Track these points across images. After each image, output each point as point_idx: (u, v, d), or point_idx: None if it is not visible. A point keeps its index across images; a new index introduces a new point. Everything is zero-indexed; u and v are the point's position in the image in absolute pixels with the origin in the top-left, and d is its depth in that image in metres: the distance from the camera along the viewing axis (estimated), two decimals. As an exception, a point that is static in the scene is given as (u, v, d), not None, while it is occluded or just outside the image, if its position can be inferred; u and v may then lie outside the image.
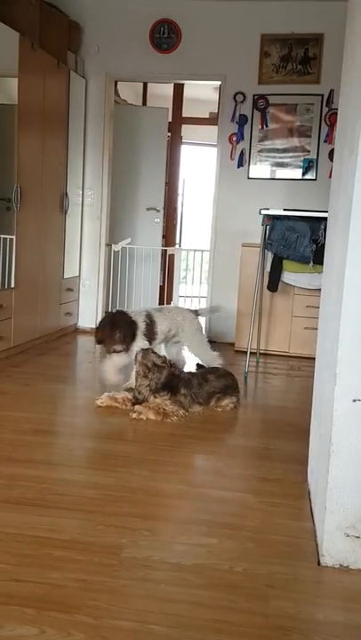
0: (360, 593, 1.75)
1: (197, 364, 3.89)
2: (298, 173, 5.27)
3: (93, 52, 5.38)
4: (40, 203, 4.70)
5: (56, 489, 2.31)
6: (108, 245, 5.73)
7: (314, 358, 2.65)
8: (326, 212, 2.66)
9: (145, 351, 3.31)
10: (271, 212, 4.53)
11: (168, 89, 7.32)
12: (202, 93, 7.41)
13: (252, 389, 4.03)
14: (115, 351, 3.54)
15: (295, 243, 4.59)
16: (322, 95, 5.13)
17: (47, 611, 1.58)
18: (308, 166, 5.24)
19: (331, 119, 5.11)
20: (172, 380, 3.26)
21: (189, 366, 3.88)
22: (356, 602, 1.71)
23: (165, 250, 6.48)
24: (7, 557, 1.82)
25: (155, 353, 3.33)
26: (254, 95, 5.23)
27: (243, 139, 5.30)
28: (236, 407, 3.45)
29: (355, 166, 1.75)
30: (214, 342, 5.47)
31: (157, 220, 6.66)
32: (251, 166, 5.33)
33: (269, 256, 4.73)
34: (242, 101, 5.26)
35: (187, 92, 7.38)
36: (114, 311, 3.77)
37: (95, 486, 2.35)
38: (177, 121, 7.43)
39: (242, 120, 5.27)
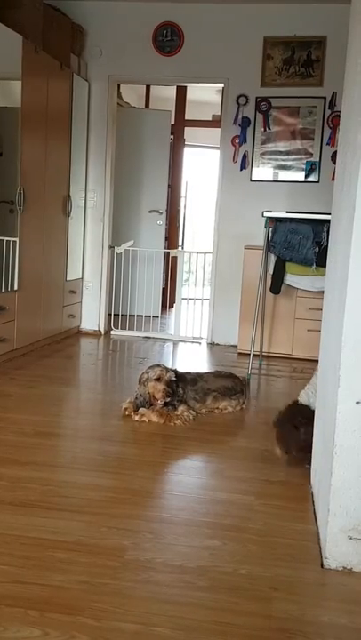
0: (363, 595, 1.75)
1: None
2: (300, 176, 5.28)
3: (96, 55, 5.40)
4: (43, 205, 4.71)
5: (59, 491, 2.31)
6: (111, 248, 5.73)
7: (317, 361, 2.64)
8: (329, 214, 2.66)
9: (160, 371, 3.27)
10: (274, 214, 4.53)
11: (171, 91, 7.34)
12: (205, 96, 7.43)
13: (254, 392, 4.03)
14: None
15: (298, 245, 4.59)
16: (325, 98, 5.14)
17: (50, 613, 1.58)
18: (310, 169, 5.24)
19: (333, 122, 5.11)
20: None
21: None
22: (359, 604, 1.70)
23: (168, 252, 6.49)
24: (11, 559, 1.82)
25: (165, 368, 3.32)
26: (257, 98, 5.24)
27: (245, 141, 5.31)
28: (237, 410, 3.45)
29: (358, 169, 1.75)
30: (217, 345, 5.50)
31: (160, 223, 6.67)
32: (253, 169, 5.34)
33: (272, 258, 4.74)
34: (245, 104, 5.26)
35: (189, 95, 7.40)
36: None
37: (98, 488, 2.35)
38: (180, 123, 7.45)
39: (245, 122, 5.28)
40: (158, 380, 3.22)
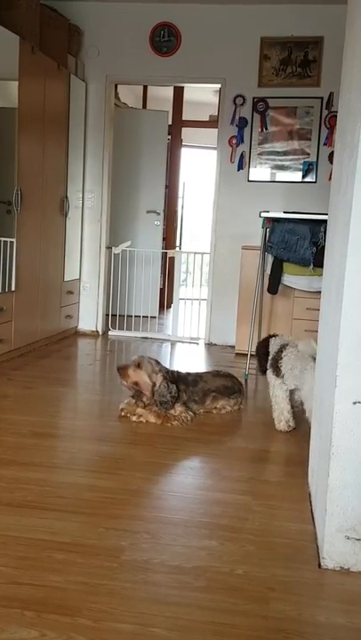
0: (361, 595, 1.76)
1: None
2: (298, 176, 5.28)
3: (93, 56, 5.40)
4: (40, 206, 4.70)
5: (57, 492, 2.31)
6: (109, 248, 5.73)
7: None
8: (326, 214, 2.66)
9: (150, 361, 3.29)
10: (271, 214, 4.53)
11: (168, 92, 7.34)
12: (202, 96, 7.43)
13: (252, 392, 4.03)
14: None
15: (295, 245, 4.59)
16: (321, 98, 5.14)
17: (47, 613, 1.58)
18: (307, 169, 5.25)
19: (330, 122, 5.12)
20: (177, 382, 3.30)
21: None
22: (357, 604, 1.70)
23: (166, 252, 6.49)
24: (7, 560, 1.82)
25: (156, 362, 3.32)
26: (254, 98, 5.24)
27: (243, 141, 5.31)
28: (235, 410, 3.45)
29: (354, 169, 1.75)
30: (215, 345, 5.50)
31: (158, 223, 6.67)
32: (251, 169, 5.34)
33: (270, 259, 4.73)
34: (242, 104, 5.27)
35: (187, 95, 7.40)
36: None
37: (96, 489, 2.35)
38: (177, 124, 7.45)
39: (242, 123, 5.28)
40: (138, 366, 3.24)
